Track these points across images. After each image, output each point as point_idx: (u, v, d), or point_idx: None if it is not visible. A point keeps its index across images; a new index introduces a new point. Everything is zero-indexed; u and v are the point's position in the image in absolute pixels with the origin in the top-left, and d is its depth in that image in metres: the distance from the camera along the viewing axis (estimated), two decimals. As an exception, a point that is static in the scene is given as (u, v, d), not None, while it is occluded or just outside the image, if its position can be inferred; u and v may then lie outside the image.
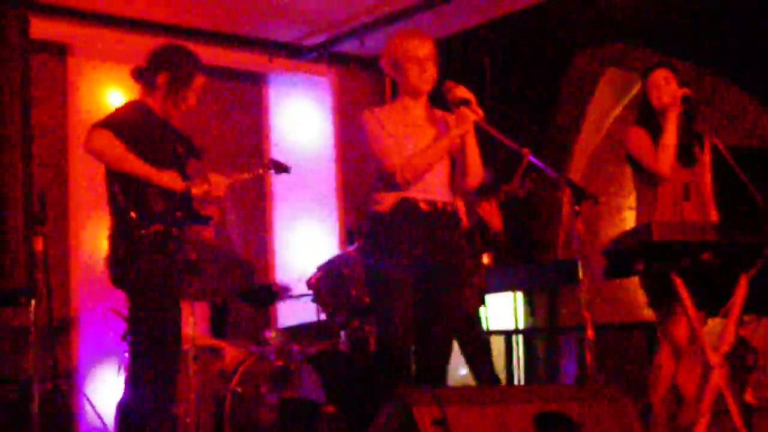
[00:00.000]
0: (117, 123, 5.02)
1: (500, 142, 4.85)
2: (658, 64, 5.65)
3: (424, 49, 4.92)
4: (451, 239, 4.93)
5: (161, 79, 5.16)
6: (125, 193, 5.00)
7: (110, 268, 5.13)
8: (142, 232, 4.98)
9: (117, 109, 5.18)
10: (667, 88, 5.49)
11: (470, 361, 6.72)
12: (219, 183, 5.30)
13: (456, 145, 4.90)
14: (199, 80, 5.27)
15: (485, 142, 4.98)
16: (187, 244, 6.33)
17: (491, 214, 6.48)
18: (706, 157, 5.57)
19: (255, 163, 6.50)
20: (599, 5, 8.11)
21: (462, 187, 5.04)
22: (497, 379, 6.90)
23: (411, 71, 4.90)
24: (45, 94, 7.82)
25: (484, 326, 6.96)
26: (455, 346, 6.43)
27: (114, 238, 5.09)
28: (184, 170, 5.24)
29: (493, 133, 4.85)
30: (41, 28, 7.48)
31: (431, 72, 4.92)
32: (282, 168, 5.91)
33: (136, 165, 4.98)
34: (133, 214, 4.99)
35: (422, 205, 4.84)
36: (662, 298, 5.31)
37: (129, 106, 5.20)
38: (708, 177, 5.58)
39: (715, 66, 7.54)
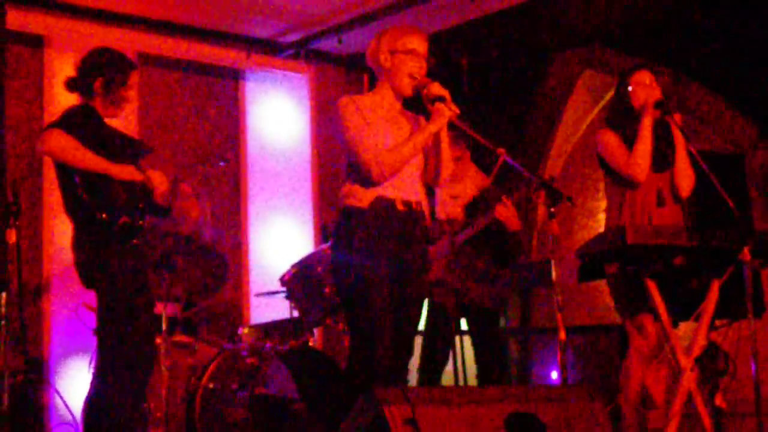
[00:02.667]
0: (67, 123, 5.12)
1: (475, 140, 4.86)
2: (642, 66, 5.60)
3: (424, 46, 4.93)
4: (421, 239, 4.94)
5: (98, 84, 5.28)
6: (87, 188, 5.05)
7: (80, 271, 5.19)
8: (104, 216, 5.01)
9: (65, 111, 5.26)
10: (651, 90, 5.46)
11: (480, 359, 6.68)
12: (161, 179, 5.35)
13: (430, 142, 4.90)
14: (134, 77, 5.40)
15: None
16: (158, 240, 6.34)
17: (507, 214, 6.43)
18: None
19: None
20: (577, 8, 8.13)
21: (432, 183, 5.05)
22: (504, 381, 6.85)
23: (406, 65, 4.89)
24: (20, 85, 7.78)
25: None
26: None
27: (80, 240, 5.15)
28: (137, 167, 5.30)
29: (467, 130, 4.86)
30: (18, 19, 7.45)
31: (424, 70, 4.92)
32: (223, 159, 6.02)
33: (93, 159, 5.07)
34: (97, 211, 5.03)
35: (398, 205, 4.84)
36: (633, 301, 5.31)
37: (77, 109, 5.30)
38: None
39: (691, 71, 7.58)
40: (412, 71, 4.88)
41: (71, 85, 5.36)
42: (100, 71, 5.28)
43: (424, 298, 5.04)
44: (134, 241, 5.19)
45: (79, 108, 5.30)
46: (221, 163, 5.97)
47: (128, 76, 5.34)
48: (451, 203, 6.64)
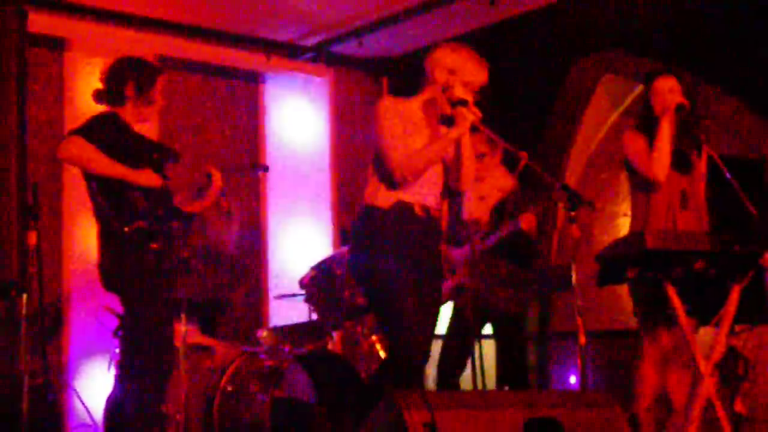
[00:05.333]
0: (88, 129, 5.18)
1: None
2: (663, 72, 5.62)
3: (480, 82, 4.93)
4: (436, 245, 4.96)
5: (129, 89, 5.34)
6: (105, 194, 5.11)
7: (101, 274, 5.23)
8: (125, 229, 5.06)
9: (87, 119, 5.31)
10: (670, 96, 5.47)
11: (503, 365, 6.64)
12: (217, 175, 5.42)
13: (452, 147, 4.90)
14: (162, 80, 5.47)
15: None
16: (178, 243, 6.35)
17: (532, 225, 6.40)
18: (703, 166, 5.56)
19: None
20: (598, 12, 8.11)
21: (455, 188, 5.04)
22: (525, 385, 6.81)
23: (456, 88, 4.87)
24: (41, 88, 7.81)
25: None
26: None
27: (102, 244, 5.21)
28: (162, 173, 5.34)
29: (490, 134, 4.85)
30: (39, 23, 7.47)
31: (469, 98, 4.90)
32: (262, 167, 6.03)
33: (110, 165, 5.13)
34: (113, 214, 5.08)
35: (417, 210, 4.85)
36: (653, 306, 5.30)
37: (99, 116, 5.35)
38: (702, 186, 5.57)
39: (711, 75, 7.55)
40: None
41: (100, 96, 5.41)
42: (131, 75, 5.35)
43: (440, 303, 5.05)
44: (153, 245, 5.20)
45: (102, 115, 5.35)
46: (261, 171, 5.99)
47: (156, 78, 5.42)
48: (476, 204, 6.59)
